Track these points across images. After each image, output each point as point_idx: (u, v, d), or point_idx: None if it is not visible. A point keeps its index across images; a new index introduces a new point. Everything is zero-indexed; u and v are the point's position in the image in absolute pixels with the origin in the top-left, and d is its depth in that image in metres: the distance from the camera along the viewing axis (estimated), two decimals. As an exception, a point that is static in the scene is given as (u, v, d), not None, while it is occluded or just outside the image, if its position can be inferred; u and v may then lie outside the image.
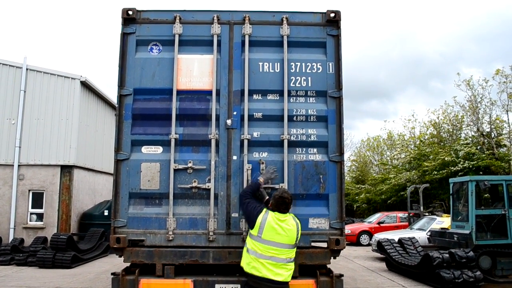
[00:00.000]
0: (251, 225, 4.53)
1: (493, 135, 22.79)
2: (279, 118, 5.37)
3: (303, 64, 5.52)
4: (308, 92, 5.47)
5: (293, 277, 4.94)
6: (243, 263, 4.56)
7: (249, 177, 5.22)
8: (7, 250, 13.48)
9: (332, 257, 5.23)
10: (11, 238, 15.05)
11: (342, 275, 5.11)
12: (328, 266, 5.29)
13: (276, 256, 4.41)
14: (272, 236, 4.41)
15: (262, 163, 5.27)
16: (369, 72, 68.75)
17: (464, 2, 69.79)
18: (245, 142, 5.27)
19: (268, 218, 4.45)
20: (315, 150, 5.39)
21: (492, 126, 23.00)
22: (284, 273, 4.44)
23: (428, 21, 71.17)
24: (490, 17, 60.58)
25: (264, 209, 4.57)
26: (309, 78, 5.50)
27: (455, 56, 61.20)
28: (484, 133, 23.03)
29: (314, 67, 5.52)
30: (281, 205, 4.53)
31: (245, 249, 4.61)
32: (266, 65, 5.49)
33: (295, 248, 4.57)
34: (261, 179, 5.02)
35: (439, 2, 69.56)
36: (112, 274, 5.03)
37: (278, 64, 5.49)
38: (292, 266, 4.55)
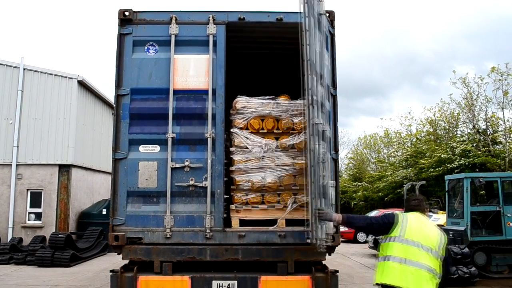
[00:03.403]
0: (389, 228, 4.16)
1: (489, 132, 22.88)
2: (275, 116, 5.44)
3: (298, 63, 5.58)
4: (303, 91, 5.54)
5: (289, 273, 5.04)
6: (378, 277, 4.14)
7: None
8: (6, 249, 13.53)
9: (327, 254, 5.31)
10: (9, 237, 15.09)
11: (337, 271, 5.19)
12: (324, 262, 5.37)
13: (417, 261, 3.96)
14: (415, 234, 4.05)
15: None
16: (362, 69, 69.02)
17: (453, 1, 70.23)
18: (241, 140, 5.34)
19: (409, 216, 4.20)
20: (310, 148, 5.46)
21: (488, 123, 23.09)
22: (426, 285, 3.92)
23: (419, 20, 71.55)
24: (479, 16, 61.24)
25: (400, 213, 4.30)
26: (304, 77, 5.56)
27: (448, 54, 61.57)
28: (480, 130, 23.12)
29: (309, 66, 5.58)
30: (413, 200, 4.46)
31: (379, 263, 4.22)
32: (261, 64, 5.55)
33: (439, 261, 4.08)
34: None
35: (429, 2, 69.89)
36: (111, 271, 5.11)
37: (274, 63, 5.56)
38: (435, 280, 4.00)
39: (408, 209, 4.42)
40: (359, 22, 73.76)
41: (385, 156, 36.39)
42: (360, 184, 33.43)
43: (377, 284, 4.19)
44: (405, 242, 4.04)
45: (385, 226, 4.22)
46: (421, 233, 4.08)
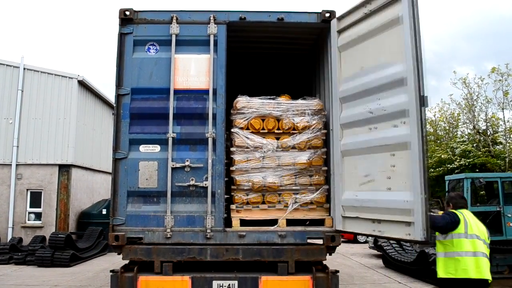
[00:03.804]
0: (456, 226, 4.54)
1: (489, 133, 22.88)
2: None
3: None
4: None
5: (290, 273, 5.04)
6: (442, 272, 4.57)
7: None
8: (5, 249, 13.49)
9: (328, 254, 5.31)
10: (9, 237, 15.04)
11: (337, 271, 5.19)
12: (325, 262, 5.36)
13: (482, 252, 4.49)
14: (475, 229, 4.56)
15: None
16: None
17: (452, 2, 70.42)
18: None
19: (465, 214, 4.66)
20: (310, 148, 5.46)
21: (488, 123, 23.09)
22: (488, 271, 4.49)
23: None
24: (478, 16, 61.40)
25: (457, 212, 4.68)
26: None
27: (448, 54, 61.61)
28: (480, 131, 23.11)
29: (310, 66, 5.59)
30: (461, 198, 4.95)
31: (441, 259, 4.62)
32: (262, 64, 5.54)
33: (489, 249, 4.64)
34: None
35: (428, 2, 70.07)
36: (111, 271, 5.09)
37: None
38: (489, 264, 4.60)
39: (458, 207, 4.82)
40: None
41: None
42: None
43: (445, 279, 4.54)
44: (471, 237, 4.51)
45: (454, 225, 4.56)
46: (477, 228, 4.60)
